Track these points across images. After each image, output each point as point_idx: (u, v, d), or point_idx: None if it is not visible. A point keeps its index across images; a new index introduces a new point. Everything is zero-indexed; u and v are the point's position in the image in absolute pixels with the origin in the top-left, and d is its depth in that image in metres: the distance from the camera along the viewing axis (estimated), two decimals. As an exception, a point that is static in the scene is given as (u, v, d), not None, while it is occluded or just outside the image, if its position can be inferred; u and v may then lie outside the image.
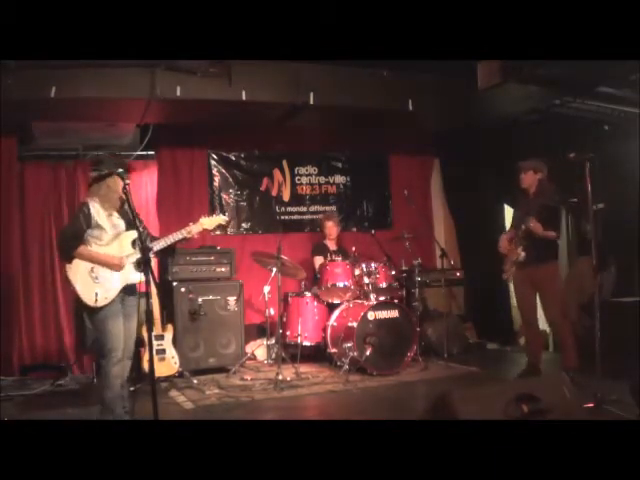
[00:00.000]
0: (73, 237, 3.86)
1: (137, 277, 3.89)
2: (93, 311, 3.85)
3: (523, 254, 5.03)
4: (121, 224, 3.97)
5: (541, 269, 5.04)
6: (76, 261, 3.84)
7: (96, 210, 3.86)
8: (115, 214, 3.96)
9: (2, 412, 4.36)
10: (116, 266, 3.86)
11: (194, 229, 4.10)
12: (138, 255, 3.88)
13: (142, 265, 3.26)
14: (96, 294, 3.80)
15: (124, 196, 3.54)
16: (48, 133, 6.02)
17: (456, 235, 7.81)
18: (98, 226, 3.85)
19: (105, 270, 3.85)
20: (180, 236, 4.05)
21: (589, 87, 5.33)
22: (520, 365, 5.59)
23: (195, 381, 5.44)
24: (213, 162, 7.07)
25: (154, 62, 4.98)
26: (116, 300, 3.86)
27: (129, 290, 3.93)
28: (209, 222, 4.20)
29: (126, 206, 3.79)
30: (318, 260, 6.56)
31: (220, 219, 4.30)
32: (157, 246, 4.00)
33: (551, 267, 5.08)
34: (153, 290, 3.23)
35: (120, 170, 3.67)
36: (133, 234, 3.94)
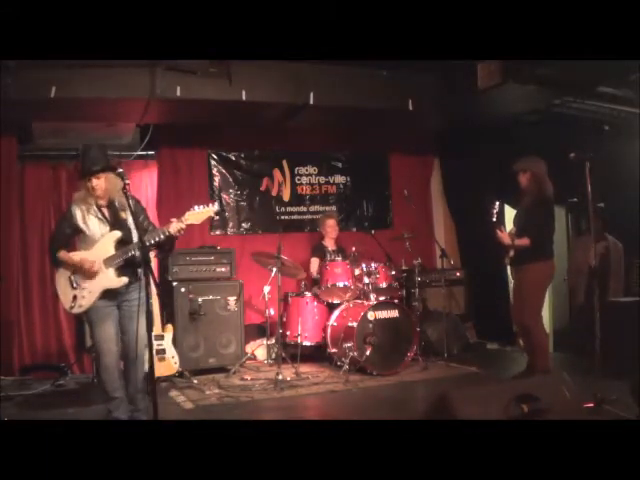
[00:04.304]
0: (54, 241, 3.85)
1: (117, 282, 3.72)
2: (84, 316, 3.82)
3: (507, 255, 5.01)
4: (103, 226, 3.76)
5: (520, 270, 5.00)
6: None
7: (79, 213, 3.74)
8: (99, 215, 3.76)
9: (2, 412, 4.35)
10: (87, 271, 3.68)
11: (175, 227, 3.69)
12: (122, 257, 3.69)
13: (142, 265, 3.24)
14: (73, 299, 3.73)
15: (123, 196, 3.36)
16: (48, 133, 6.02)
17: (456, 235, 7.80)
18: (80, 229, 3.75)
19: (83, 275, 3.72)
20: (162, 234, 3.67)
21: (589, 87, 5.33)
22: (520, 365, 5.59)
23: (195, 381, 5.44)
24: (213, 162, 7.07)
25: (154, 62, 4.99)
26: (100, 306, 3.72)
27: (113, 293, 3.75)
28: (194, 217, 3.78)
29: (117, 204, 3.75)
30: (314, 262, 6.57)
31: (209, 211, 3.88)
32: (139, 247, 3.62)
33: (527, 269, 4.89)
34: (153, 290, 3.18)
35: (120, 170, 3.42)
36: (116, 234, 3.74)
